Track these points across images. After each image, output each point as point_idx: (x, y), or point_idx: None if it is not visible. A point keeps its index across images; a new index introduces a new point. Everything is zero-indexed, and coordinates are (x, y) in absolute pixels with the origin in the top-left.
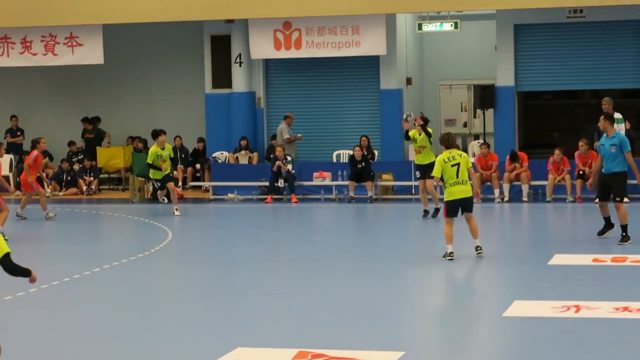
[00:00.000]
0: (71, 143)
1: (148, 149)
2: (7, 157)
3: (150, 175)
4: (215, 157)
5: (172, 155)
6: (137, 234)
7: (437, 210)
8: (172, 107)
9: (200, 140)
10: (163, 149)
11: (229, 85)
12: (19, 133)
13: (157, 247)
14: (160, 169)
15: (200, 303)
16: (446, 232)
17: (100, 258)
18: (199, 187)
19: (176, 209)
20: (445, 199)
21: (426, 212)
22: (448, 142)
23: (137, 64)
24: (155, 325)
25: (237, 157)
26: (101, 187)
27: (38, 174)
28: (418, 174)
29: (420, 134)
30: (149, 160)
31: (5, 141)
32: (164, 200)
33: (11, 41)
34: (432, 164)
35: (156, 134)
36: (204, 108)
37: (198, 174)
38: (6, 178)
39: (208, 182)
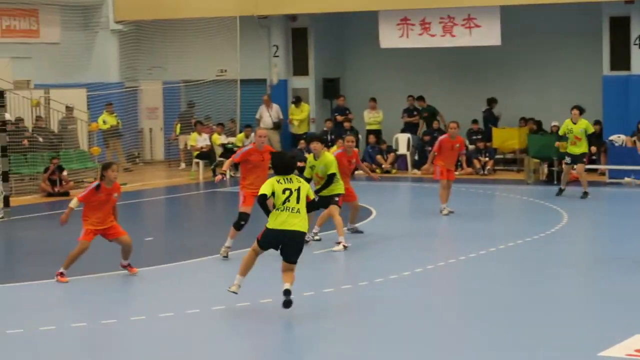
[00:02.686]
0: (474, 121)
1: (543, 130)
2: (404, 136)
3: None
4: (612, 140)
5: None
6: (531, 216)
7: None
8: (566, 89)
9: (597, 122)
10: None
11: (628, 68)
12: (415, 113)
13: (551, 229)
14: None
15: (594, 288)
16: None
17: (493, 239)
18: (595, 170)
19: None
20: None
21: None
22: None
23: (533, 46)
24: (551, 305)
25: (635, 140)
26: (496, 167)
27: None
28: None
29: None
30: None
31: (402, 121)
32: None
33: (410, 22)
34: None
35: None
36: (600, 90)
37: (594, 157)
38: (403, 158)
39: (604, 165)
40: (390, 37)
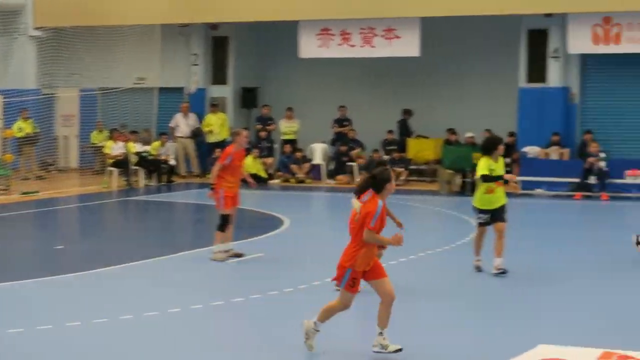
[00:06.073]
0: (389, 132)
1: (458, 142)
2: (320, 146)
3: None
4: (526, 151)
5: None
6: (443, 227)
7: None
8: (484, 100)
9: (512, 134)
10: None
11: (543, 80)
12: (346, 123)
13: (462, 240)
14: None
15: (500, 298)
16: None
17: (404, 249)
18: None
19: None
20: None
21: None
22: None
23: (452, 57)
24: (453, 318)
25: (547, 152)
26: (410, 178)
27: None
28: None
29: None
30: None
31: (333, 130)
32: None
33: (331, 33)
34: None
35: None
36: (516, 102)
37: (508, 168)
38: (318, 167)
39: (517, 176)
40: (310, 47)
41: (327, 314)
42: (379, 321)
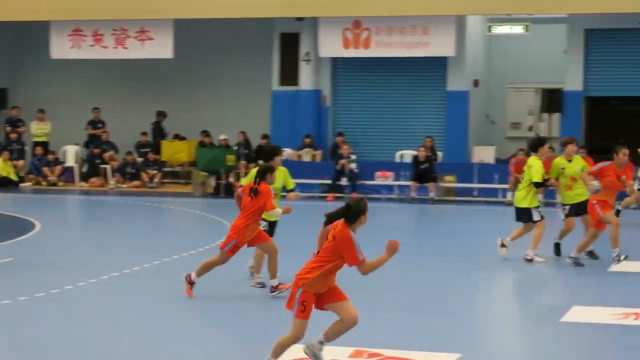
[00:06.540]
0: (143, 133)
1: (212, 144)
2: (73, 148)
3: None
4: None
5: None
6: (196, 229)
7: None
8: (238, 102)
9: (265, 136)
10: None
11: (296, 83)
12: (100, 125)
13: (216, 242)
14: None
15: (256, 299)
16: None
17: (157, 252)
18: None
19: None
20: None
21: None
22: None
23: (207, 59)
24: (194, 322)
25: (300, 154)
26: (165, 180)
27: None
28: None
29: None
30: None
31: (86, 133)
32: None
33: (82, 34)
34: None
35: None
36: (269, 104)
37: None
38: (71, 170)
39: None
40: (61, 48)
41: (280, 349)
42: (329, 333)
